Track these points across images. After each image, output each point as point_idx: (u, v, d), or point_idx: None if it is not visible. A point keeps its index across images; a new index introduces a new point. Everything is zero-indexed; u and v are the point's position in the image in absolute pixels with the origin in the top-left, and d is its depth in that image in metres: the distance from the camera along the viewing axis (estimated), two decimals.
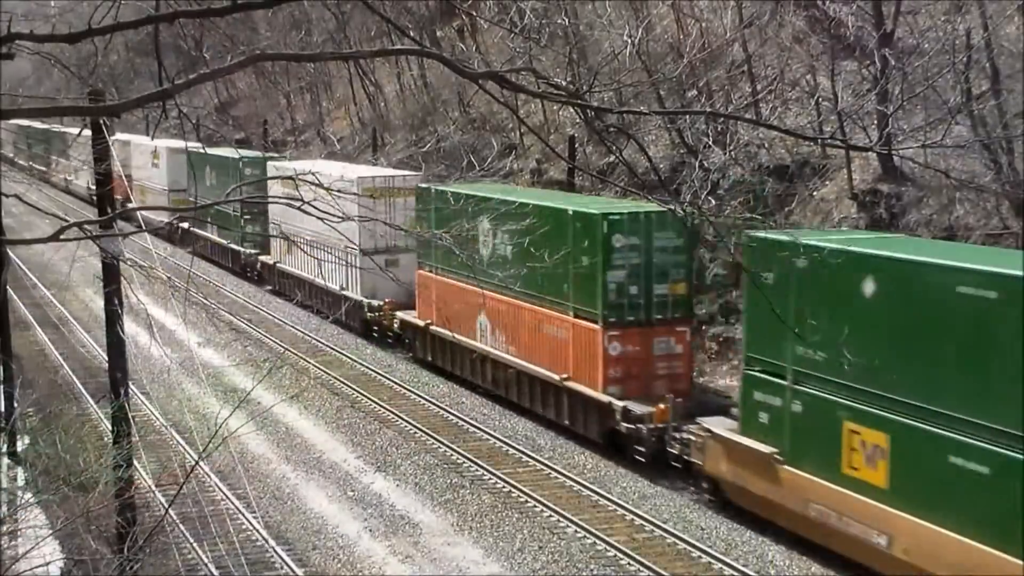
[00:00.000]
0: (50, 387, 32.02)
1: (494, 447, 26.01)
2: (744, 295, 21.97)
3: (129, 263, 14.02)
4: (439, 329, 30.86)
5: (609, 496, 22.72)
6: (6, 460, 23.92)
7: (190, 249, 50.05)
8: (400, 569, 20.08)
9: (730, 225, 26.22)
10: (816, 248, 18.35)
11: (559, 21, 42.92)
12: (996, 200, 27.31)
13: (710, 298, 30.30)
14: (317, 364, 33.33)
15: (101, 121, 16.32)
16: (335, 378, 31.82)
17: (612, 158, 37.51)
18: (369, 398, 29.85)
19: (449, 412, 28.50)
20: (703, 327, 29.30)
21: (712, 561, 19.81)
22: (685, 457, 22.66)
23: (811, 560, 19.71)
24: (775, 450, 20.03)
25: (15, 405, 23.91)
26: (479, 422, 27.68)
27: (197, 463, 19.31)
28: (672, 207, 8.55)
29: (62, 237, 8.60)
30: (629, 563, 19.88)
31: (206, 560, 20.13)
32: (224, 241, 49.25)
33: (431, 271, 31.21)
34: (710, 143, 34.69)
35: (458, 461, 25.16)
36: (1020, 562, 15.64)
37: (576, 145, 38.86)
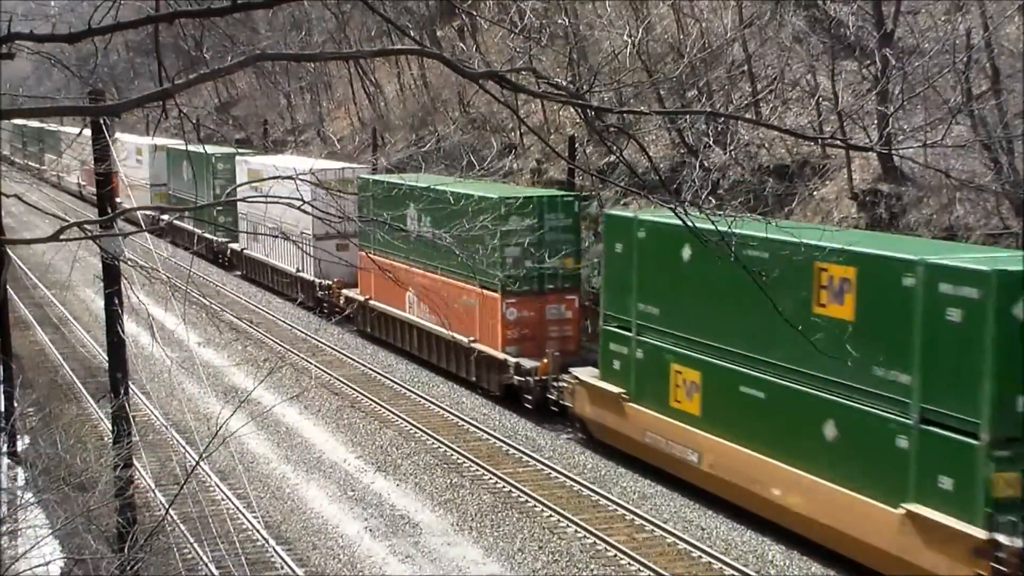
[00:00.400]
0: (50, 387, 32.03)
1: (494, 447, 26.02)
2: (603, 264, 25.19)
3: (129, 263, 14.03)
4: (376, 303, 34.93)
5: (609, 496, 22.73)
6: (6, 460, 23.94)
7: (170, 238, 52.96)
8: (400, 569, 20.09)
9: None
10: (651, 223, 22.38)
11: (559, 21, 42.92)
12: (996, 200, 27.30)
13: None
14: (317, 364, 33.34)
15: (101, 121, 16.33)
16: (335, 378, 31.83)
17: (612, 158, 37.52)
18: (369, 398, 29.86)
19: (449, 412, 28.51)
20: (592, 296, 30.63)
21: (712, 561, 19.81)
22: (561, 402, 26.43)
23: (811, 560, 19.71)
24: (623, 391, 23.95)
25: (15, 405, 23.92)
26: (479, 422, 27.69)
27: (198, 463, 19.28)
28: (672, 207, 8.54)
29: (62, 237, 8.59)
30: (629, 563, 19.89)
31: (206, 560, 20.14)
32: (199, 231, 51.20)
33: (371, 252, 33.06)
34: (710, 143, 34.69)
35: (458, 461, 25.17)
36: (790, 468, 19.59)
37: (576, 145, 38.87)
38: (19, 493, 21.30)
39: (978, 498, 16.39)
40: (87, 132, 15.92)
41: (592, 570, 19.82)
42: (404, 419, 27.99)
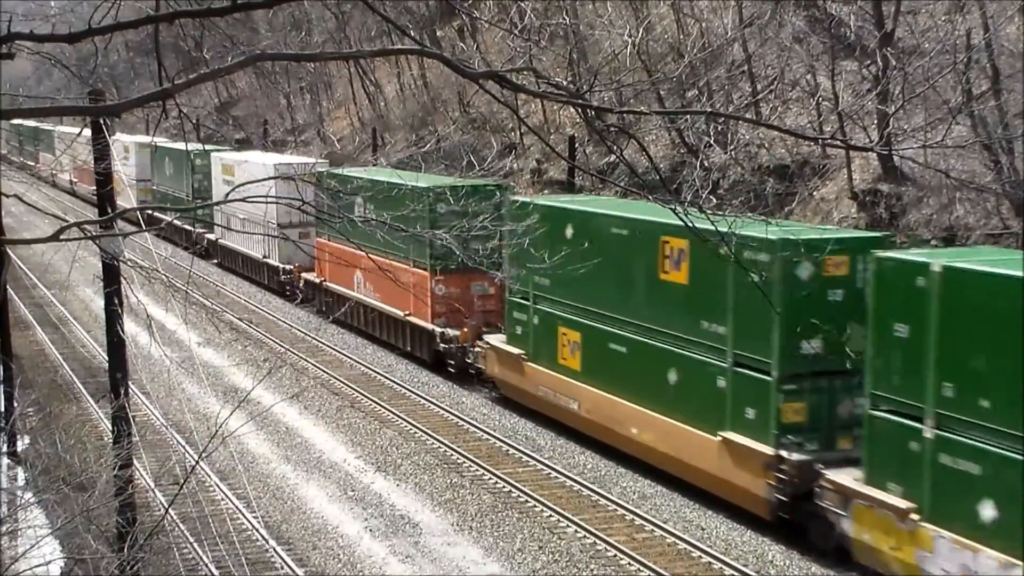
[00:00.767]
0: (50, 387, 32.03)
1: (494, 447, 26.03)
2: (507, 243, 27.15)
3: (129, 263, 14.02)
4: (330, 284, 38.52)
5: (609, 496, 22.73)
6: (6, 460, 23.94)
7: (155, 231, 53.20)
8: (400, 569, 20.09)
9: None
10: (542, 206, 25.59)
11: (559, 21, 42.93)
12: (996, 200, 27.31)
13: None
14: (317, 364, 33.34)
15: (101, 121, 16.32)
16: (335, 378, 31.84)
17: (612, 158, 37.52)
18: (369, 398, 29.87)
19: (449, 412, 28.51)
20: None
21: (712, 561, 19.81)
22: (477, 366, 29.80)
23: (811, 560, 19.71)
24: (523, 352, 27.54)
25: (15, 405, 23.92)
26: (479, 422, 27.70)
27: (197, 463, 19.29)
28: (673, 207, 8.55)
29: (62, 237, 8.59)
30: (629, 563, 19.88)
31: (206, 560, 20.13)
32: (178, 223, 53.10)
33: (326, 239, 37.08)
34: (710, 143, 34.70)
35: (458, 461, 25.17)
36: (644, 410, 22.98)
37: (576, 145, 38.87)
38: (19, 493, 21.30)
39: (770, 424, 19.89)
40: (85, 132, 15.91)
41: (592, 570, 19.82)
42: (404, 419, 28.00)
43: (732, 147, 34.42)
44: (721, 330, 20.92)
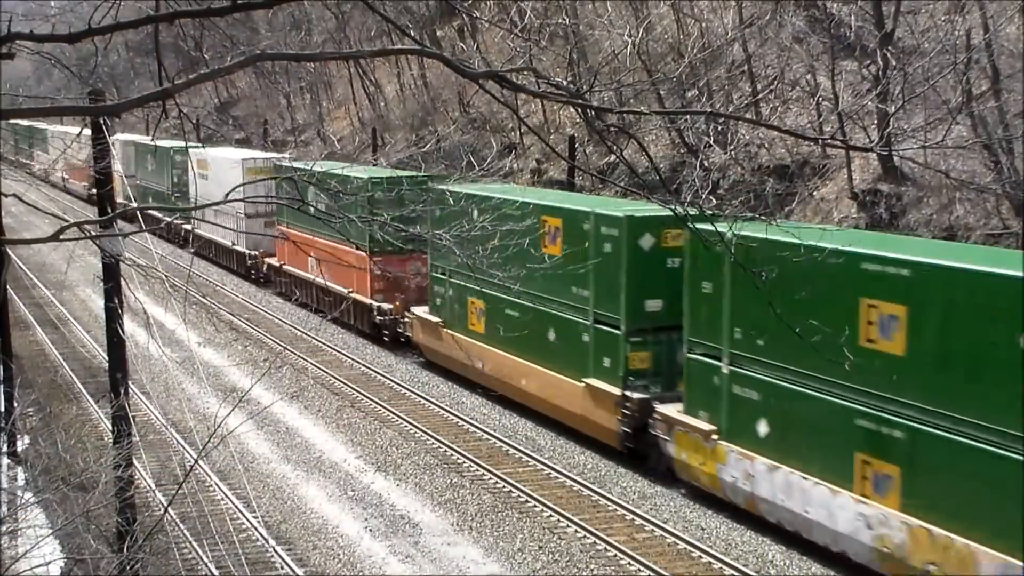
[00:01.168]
0: (50, 387, 32.02)
1: (494, 447, 26.03)
2: (429, 226, 29.56)
3: (129, 263, 14.03)
4: (288, 268, 42.37)
5: (609, 496, 22.73)
6: (6, 460, 23.95)
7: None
8: (400, 569, 20.09)
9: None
10: (455, 192, 26.88)
11: (559, 21, 42.93)
12: (996, 200, 27.31)
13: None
14: (317, 364, 33.35)
15: (101, 121, 16.32)
16: (335, 378, 31.84)
17: (612, 158, 37.51)
18: (369, 398, 29.87)
19: (449, 412, 28.52)
20: None
21: (712, 561, 19.81)
22: (406, 334, 33.77)
23: (811, 560, 19.71)
24: (440, 320, 31.38)
25: (15, 405, 23.92)
26: (479, 422, 27.70)
27: (196, 462, 19.31)
28: (673, 207, 8.54)
29: (62, 237, 8.59)
30: (629, 563, 19.88)
31: (206, 560, 20.13)
32: (159, 215, 54.47)
33: (285, 226, 41.06)
34: (710, 143, 34.70)
35: (458, 461, 25.17)
36: (531, 364, 26.52)
37: (576, 145, 38.86)
38: (19, 493, 21.31)
39: (620, 370, 23.97)
40: (83, 131, 15.90)
41: (592, 570, 19.82)
42: (404, 419, 28.00)
43: (732, 147, 34.43)
44: (585, 294, 24.80)
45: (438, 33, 55.99)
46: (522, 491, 23.13)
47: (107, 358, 18.05)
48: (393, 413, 28.54)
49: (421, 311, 32.91)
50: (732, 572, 19.40)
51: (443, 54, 9.38)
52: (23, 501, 19.19)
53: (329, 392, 30.78)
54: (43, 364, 34.80)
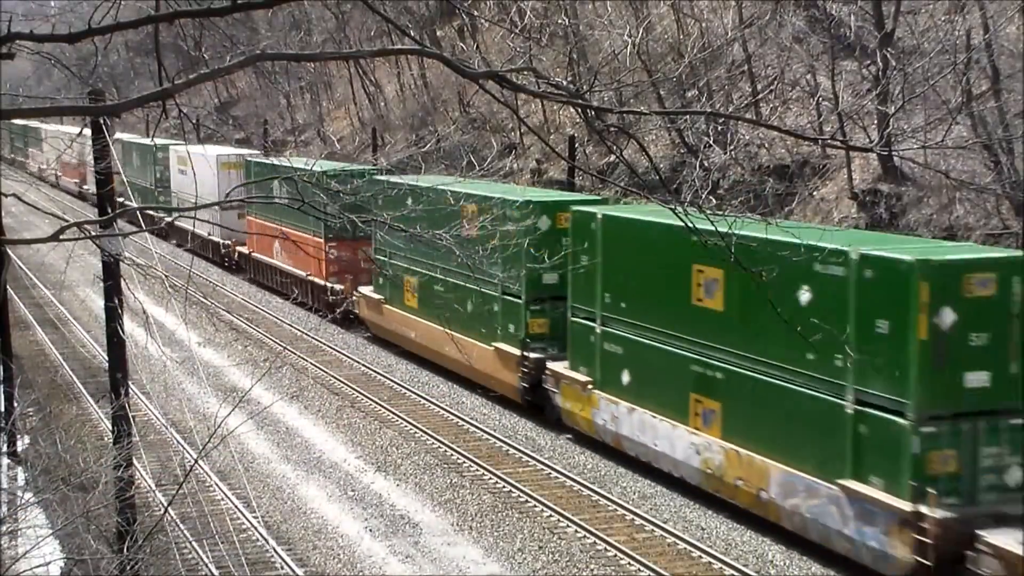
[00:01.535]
0: (50, 387, 32.02)
1: (494, 447, 26.03)
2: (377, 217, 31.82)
3: (129, 263, 14.02)
4: (257, 255, 46.07)
5: (609, 496, 22.73)
6: (6, 460, 23.94)
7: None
8: (400, 569, 20.09)
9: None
10: (393, 183, 28.76)
11: (559, 21, 42.92)
12: (996, 200, 27.31)
13: None
14: (316, 364, 33.35)
15: (101, 121, 16.32)
16: (335, 378, 31.85)
17: (612, 158, 37.52)
18: (369, 398, 29.87)
19: (449, 412, 28.52)
20: None
21: (712, 561, 19.80)
22: (355, 311, 37.00)
23: (811, 560, 19.71)
24: (383, 297, 34.97)
25: (15, 405, 23.92)
26: (479, 422, 27.70)
27: (196, 462, 19.29)
28: (673, 207, 8.53)
29: (62, 237, 8.59)
30: (629, 563, 19.87)
31: (206, 560, 20.13)
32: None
33: (254, 217, 45.05)
34: (710, 143, 34.69)
35: (458, 461, 25.17)
36: (454, 333, 27.93)
37: (576, 145, 38.85)
38: (19, 493, 21.31)
39: (521, 334, 27.52)
40: (83, 131, 15.89)
41: (592, 570, 19.82)
42: (404, 419, 28.00)
43: (732, 147, 34.42)
44: (496, 270, 27.34)
45: (438, 33, 55.98)
46: (522, 491, 23.13)
47: (107, 358, 18.04)
48: (393, 413, 28.54)
49: (367, 290, 36.32)
50: (732, 572, 19.40)
51: (443, 54, 9.38)
52: (23, 501, 19.19)
53: (329, 392, 30.78)
54: (43, 364, 34.79)
